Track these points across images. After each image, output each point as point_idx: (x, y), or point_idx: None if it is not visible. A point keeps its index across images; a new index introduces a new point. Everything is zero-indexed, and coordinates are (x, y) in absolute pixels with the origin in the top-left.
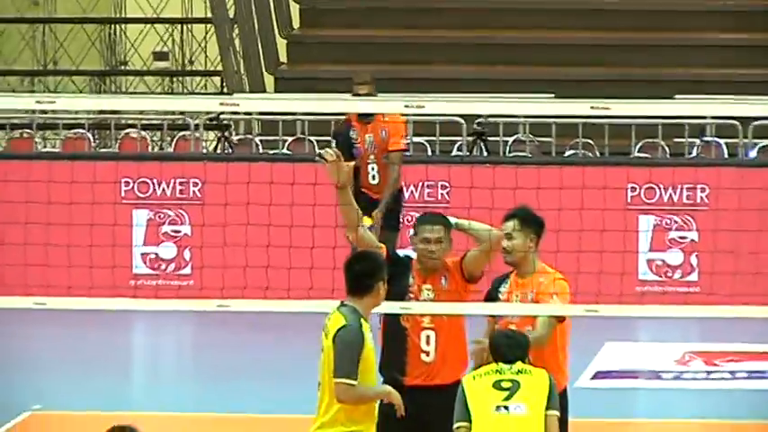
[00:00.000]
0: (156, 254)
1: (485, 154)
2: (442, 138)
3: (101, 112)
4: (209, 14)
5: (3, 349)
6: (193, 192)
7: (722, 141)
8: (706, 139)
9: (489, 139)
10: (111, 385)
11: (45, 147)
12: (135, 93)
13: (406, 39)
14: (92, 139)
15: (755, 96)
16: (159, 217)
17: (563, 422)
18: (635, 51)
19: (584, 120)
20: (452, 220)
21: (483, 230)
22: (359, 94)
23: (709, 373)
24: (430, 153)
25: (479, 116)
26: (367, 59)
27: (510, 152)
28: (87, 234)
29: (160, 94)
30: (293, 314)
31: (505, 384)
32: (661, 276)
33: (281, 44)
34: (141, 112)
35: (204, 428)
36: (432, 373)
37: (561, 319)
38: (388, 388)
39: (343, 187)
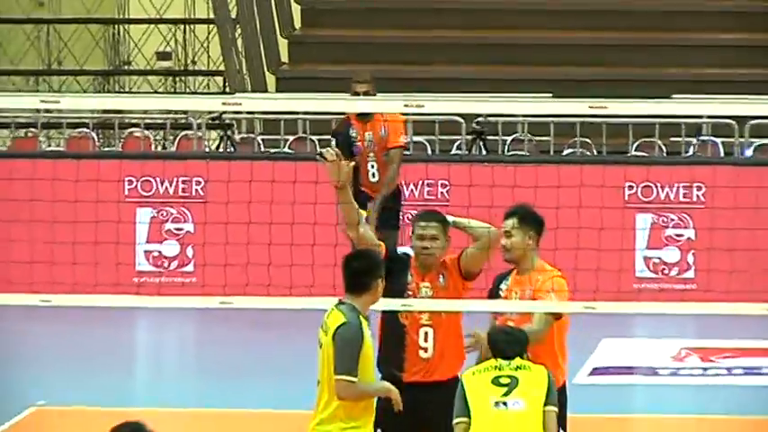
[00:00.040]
0: (160, 251)
1: (484, 153)
2: (441, 137)
3: (105, 111)
4: (212, 15)
5: (8, 345)
6: (196, 190)
7: (718, 140)
8: (702, 138)
9: (488, 138)
10: (114, 381)
11: (49, 146)
12: (138, 92)
13: (405, 39)
14: (96, 138)
15: (753, 96)
16: (162, 215)
17: (562, 418)
18: (632, 51)
19: (581, 119)
20: (450, 218)
21: (481, 229)
22: (357, 93)
23: (705, 369)
24: (430, 152)
25: (478, 115)
26: (367, 59)
27: (509, 151)
28: (91, 232)
29: (163, 93)
30: (295, 311)
31: (504, 380)
32: (658, 274)
33: (283, 44)
34: (145, 112)
35: (206, 424)
36: (430, 370)
37: (558, 317)
38: (387, 384)
39: (343, 187)
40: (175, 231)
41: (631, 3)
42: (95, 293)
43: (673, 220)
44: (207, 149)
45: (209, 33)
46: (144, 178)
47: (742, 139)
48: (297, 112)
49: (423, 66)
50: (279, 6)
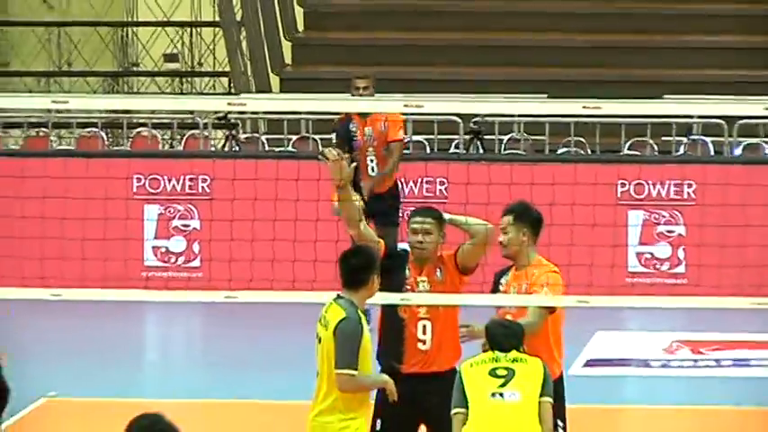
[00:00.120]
0: (167, 247)
1: (481, 152)
2: (440, 136)
3: (113, 111)
4: (218, 18)
5: (20, 338)
6: (202, 188)
7: (708, 140)
8: (693, 137)
9: (485, 137)
10: (123, 373)
11: (60, 145)
12: (146, 93)
13: (406, 41)
14: (105, 138)
15: (742, 96)
16: (169, 212)
17: (560, 409)
18: (626, 54)
19: (576, 119)
20: (447, 216)
21: (477, 225)
22: (358, 87)
23: (695, 361)
24: (429, 151)
25: (476, 115)
26: (368, 61)
27: (505, 150)
28: (101, 228)
29: (170, 94)
30: (297, 305)
31: (501, 372)
32: (650, 269)
33: (287, 46)
34: (152, 112)
35: (212, 414)
36: (428, 361)
37: (551, 310)
38: (384, 376)
39: (344, 186)
40: (182, 228)
41: (624, 7)
42: (104, 288)
43: (664, 216)
44: (213, 148)
45: (214, 36)
46: (152, 176)
47: (731, 139)
48: (300, 113)
49: (423, 67)
50: (282, 9)
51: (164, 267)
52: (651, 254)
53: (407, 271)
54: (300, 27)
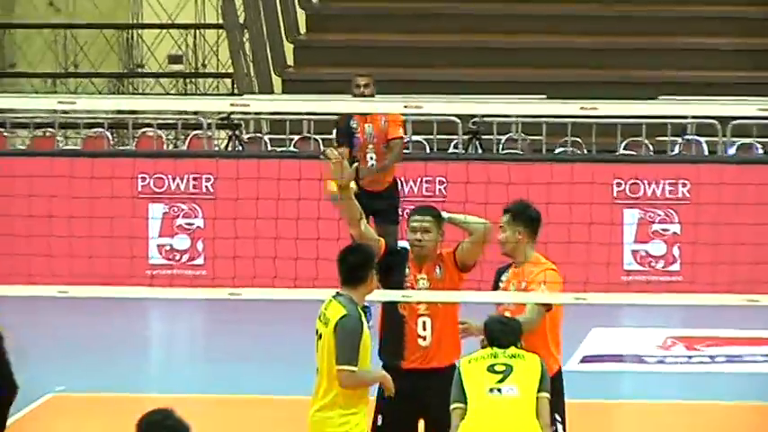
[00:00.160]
0: (171, 245)
1: (479, 151)
2: (439, 136)
3: (119, 112)
4: (221, 20)
5: (28, 334)
6: (206, 187)
7: (702, 140)
8: (687, 137)
9: (484, 137)
10: (128, 368)
11: (67, 145)
12: (151, 94)
13: (405, 43)
14: (110, 138)
15: (736, 97)
16: (174, 210)
17: (560, 404)
18: (622, 55)
19: (572, 119)
20: (446, 214)
21: (475, 223)
22: (359, 85)
23: (690, 357)
24: (428, 151)
25: (474, 116)
26: (369, 63)
27: (503, 150)
28: (107, 227)
29: (175, 95)
30: (299, 302)
31: (499, 368)
32: (645, 266)
33: (288, 48)
34: (157, 112)
35: (214, 408)
36: (428, 357)
37: (548, 308)
38: (383, 372)
39: (345, 186)
40: (186, 226)
41: (619, 10)
42: (110, 285)
43: (659, 215)
44: (216, 148)
45: (218, 38)
46: (156, 175)
47: (725, 139)
48: (302, 113)
49: (422, 68)
50: (285, 12)
51: (168, 265)
52: (646, 252)
53: (407, 269)
54: (302, 29)
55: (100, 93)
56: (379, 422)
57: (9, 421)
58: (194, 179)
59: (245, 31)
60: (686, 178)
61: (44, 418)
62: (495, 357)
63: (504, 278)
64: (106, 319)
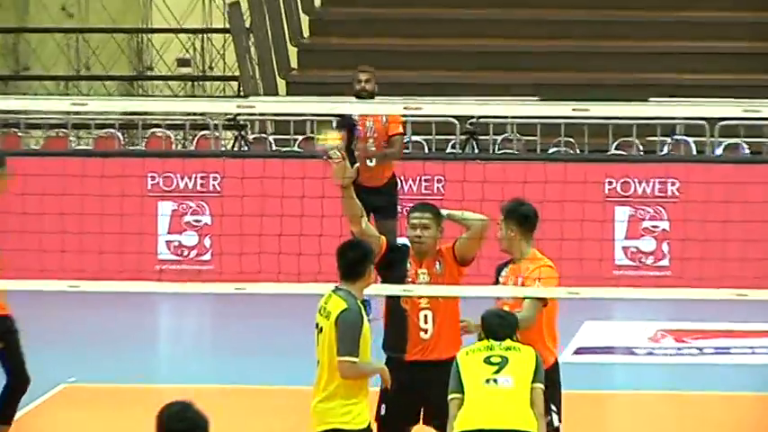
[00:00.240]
0: (180, 241)
1: (476, 151)
2: (437, 137)
3: (129, 113)
4: (228, 25)
5: (41, 327)
6: (213, 185)
7: (691, 140)
8: (676, 137)
9: (480, 137)
10: (138, 360)
11: (79, 145)
12: (160, 96)
13: (406, 47)
14: (121, 138)
15: (724, 99)
16: (182, 208)
17: (555, 395)
18: (614, 59)
19: (566, 120)
20: (445, 211)
21: (473, 220)
22: (360, 81)
23: (679, 349)
24: (427, 150)
25: (471, 117)
26: (370, 66)
27: (499, 150)
28: (117, 224)
29: (183, 97)
30: (303, 296)
31: (495, 360)
32: (635, 262)
33: (293, 52)
34: (166, 114)
35: (221, 399)
36: (429, 349)
37: (545, 303)
38: (381, 365)
39: (347, 185)
40: (194, 223)
41: (613, 15)
42: (120, 280)
43: (649, 212)
44: (223, 148)
45: (224, 42)
46: (165, 174)
47: (713, 139)
48: (305, 114)
49: (422, 71)
50: (289, 17)
51: (176, 261)
52: (637, 248)
53: (408, 264)
54: (306, 33)
55: (111, 95)
56: (383, 412)
57: (24, 411)
58: (202, 178)
59: (251, 35)
60: (675, 177)
61: (57, 408)
62: (491, 349)
63: (503, 274)
64: (116, 312)
